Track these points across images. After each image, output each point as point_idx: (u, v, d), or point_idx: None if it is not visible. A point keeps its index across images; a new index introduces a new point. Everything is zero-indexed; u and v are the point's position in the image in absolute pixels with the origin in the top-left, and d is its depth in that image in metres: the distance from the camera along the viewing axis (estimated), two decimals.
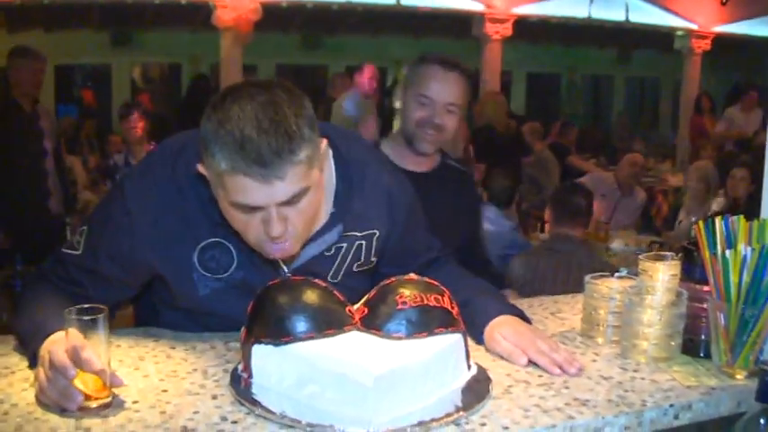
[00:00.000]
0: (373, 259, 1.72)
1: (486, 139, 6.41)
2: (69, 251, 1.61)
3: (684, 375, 1.52)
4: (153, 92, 12.97)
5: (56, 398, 1.27)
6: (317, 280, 1.41)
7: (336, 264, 1.66)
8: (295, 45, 13.28)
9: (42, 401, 1.30)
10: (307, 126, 1.36)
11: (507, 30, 9.95)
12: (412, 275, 1.47)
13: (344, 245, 1.64)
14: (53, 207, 4.78)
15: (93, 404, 1.28)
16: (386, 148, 2.58)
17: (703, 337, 1.61)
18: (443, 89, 2.48)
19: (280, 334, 1.32)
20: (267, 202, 1.36)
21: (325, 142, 1.46)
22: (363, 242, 1.67)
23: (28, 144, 4.65)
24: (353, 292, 1.52)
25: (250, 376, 1.35)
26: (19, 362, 1.49)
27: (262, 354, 1.33)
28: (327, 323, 1.34)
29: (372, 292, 1.44)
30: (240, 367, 1.40)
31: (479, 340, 1.65)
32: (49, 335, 1.38)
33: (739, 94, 9.14)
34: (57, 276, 1.62)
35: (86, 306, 1.33)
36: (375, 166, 1.72)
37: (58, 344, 1.31)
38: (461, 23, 10.28)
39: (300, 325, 1.32)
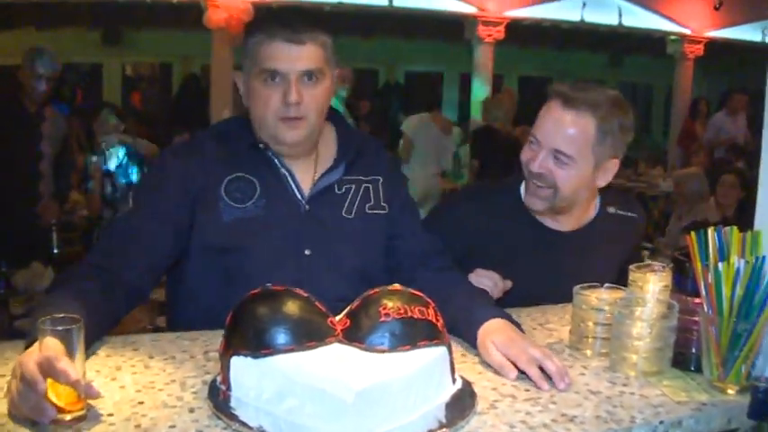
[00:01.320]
0: (384, 204, 1.93)
1: (486, 140, 6.40)
2: (121, 216, 1.95)
3: (675, 390, 1.49)
4: (144, 91, 12.92)
5: (27, 411, 1.22)
6: (298, 290, 1.37)
7: (349, 200, 1.89)
8: None
9: (14, 414, 1.25)
10: (330, 38, 1.83)
11: (500, 33, 9.96)
12: (396, 286, 1.43)
13: (353, 186, 1.91)
14: (42, 211, 4.68)
15: (67, 417, 1.24)
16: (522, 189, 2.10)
17: (694, 350, 1.58)
18: (552, 131, 1.91)
19: (259, 346, 1.28)
20: (290, 68, 1.74)
21: (338, 73, 1.88)
22: (370, 185, 1.93)
23: (23, 145, 4.55)
24: (367, 237, 1.86)
25: (228, 389, 1.31)
26: None
27: (240, 366, 1.29)
28: (308, 335, 1.30)
29: (355, 303, 1.40)
30: (219, 379, 1.36)
31: (474, 346, 1.63)
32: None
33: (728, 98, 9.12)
34: (96, 266, 1.68)
35: (61, 316, 1.29)
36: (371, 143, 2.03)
37: (30, 355, 1.27)
38: (454, 26, 10.27)
39: (280, 337, 1.28)
